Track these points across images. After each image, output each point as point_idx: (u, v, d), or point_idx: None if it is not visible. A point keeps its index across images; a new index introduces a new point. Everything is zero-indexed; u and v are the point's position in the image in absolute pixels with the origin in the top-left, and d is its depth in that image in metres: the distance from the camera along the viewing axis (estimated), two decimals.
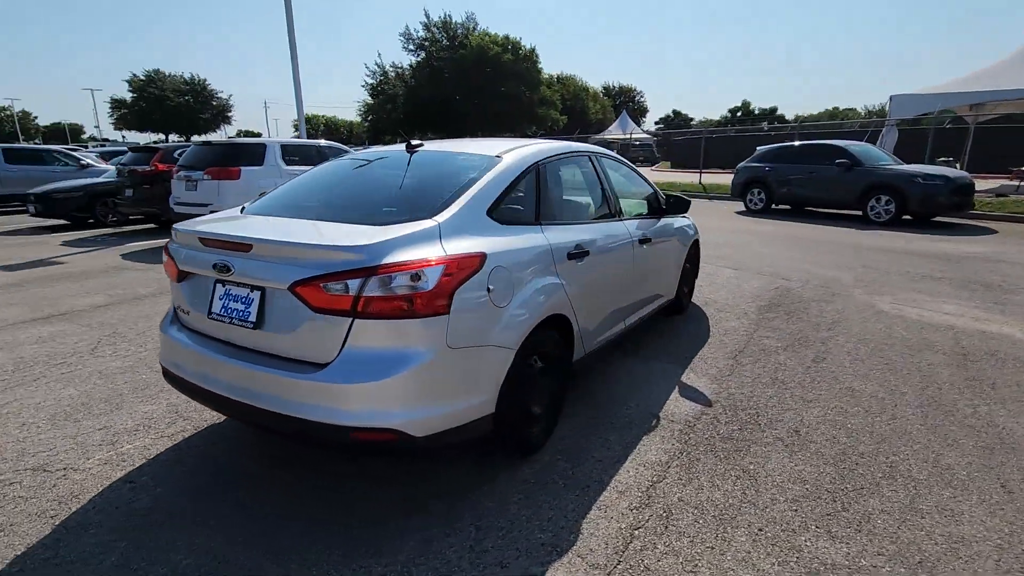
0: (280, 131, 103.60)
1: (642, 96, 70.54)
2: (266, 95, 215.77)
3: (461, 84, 28.27)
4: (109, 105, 53.14)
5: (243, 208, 2.84)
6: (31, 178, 13.15)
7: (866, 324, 4.64)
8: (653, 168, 32.51)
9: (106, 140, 57.87)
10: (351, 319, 1.99)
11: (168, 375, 2.52)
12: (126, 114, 52.19)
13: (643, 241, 3.67)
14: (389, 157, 3.09)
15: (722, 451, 2.74)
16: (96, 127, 67.59)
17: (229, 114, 55.76)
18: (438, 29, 30.59)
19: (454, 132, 32.92)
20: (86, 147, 28.05)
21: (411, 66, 30.79)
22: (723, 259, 7.30)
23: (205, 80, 53.72)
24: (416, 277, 2.02)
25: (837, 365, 3.80)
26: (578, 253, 2.88)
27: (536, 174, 2.84)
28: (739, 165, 13.23)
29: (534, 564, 1.99)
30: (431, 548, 2.07)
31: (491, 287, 2.25)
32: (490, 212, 2.47)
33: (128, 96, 51.46)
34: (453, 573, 1.95)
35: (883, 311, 5.01)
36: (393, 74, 30.82)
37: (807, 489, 2.43)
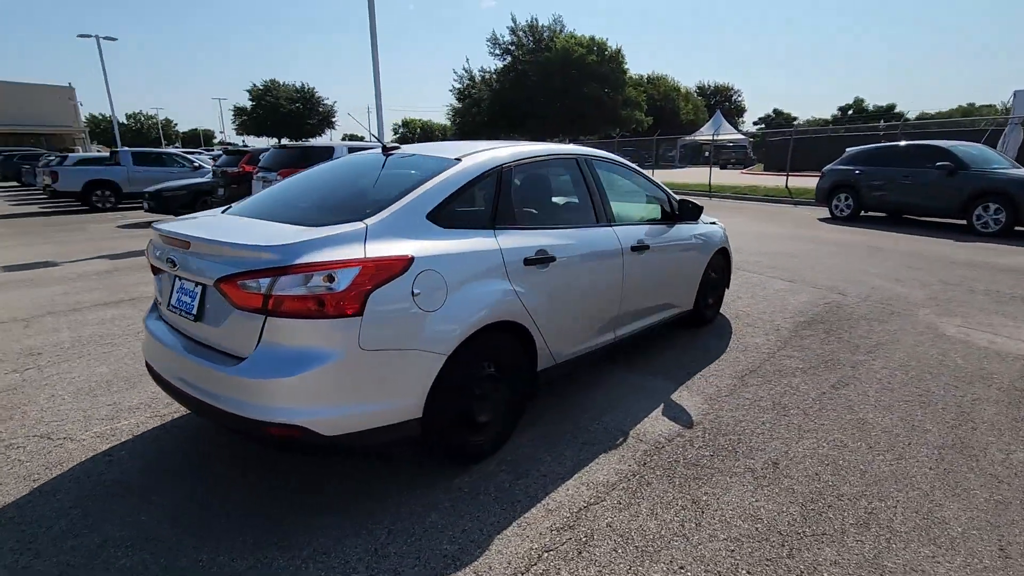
0: (380, 135, 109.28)
1: (740, 95, 66.91)
2: (371, 101, 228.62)
3: (544, 87, 28.34)
4: (232, 112, 58.87)
5: (226, 208, 3.03)
6: (153, 178, 14.84)
7: (917, 348, 4.10)
8: (742, 171, 30.73)
9: (229, 144, 64.11)
10: (264, 316, 2.06)
11: (147, 366, 2.73)
12: (245, 120, 57.50)
13: (638, 248, 3.48)
14: (366, 160, 3.16)
15: (680, 477, 2.54)
16: (221, 132, 75.08)
17: (333, 119, 59.71)
18: (524, 33, 30.92)
19: (535, 134, 33.09)
20: (211, 150, 31.15)
21: (495, 71, 31.37)
22: (779, 270, 6.75)
23: (313, 88, 57.97)
24: (329, 278, 2.05)
25: (858, 393, 3.38)
26: (540, 259, 2.78)
27: (497, 178, 2.78)
28: (825, 168, 12.16)
29: (426, 574, 1.95)
30: (338, 547, 2.10)
31: (417, 291, 2.24)
32: (432, 215, 2.46)
33: (248, 104, 56.69)
34: (348, 574, 1.96)
35: (945, 335, 4.39)
36: (479, 78, 31.56)
37: (757, 529, 2.19)
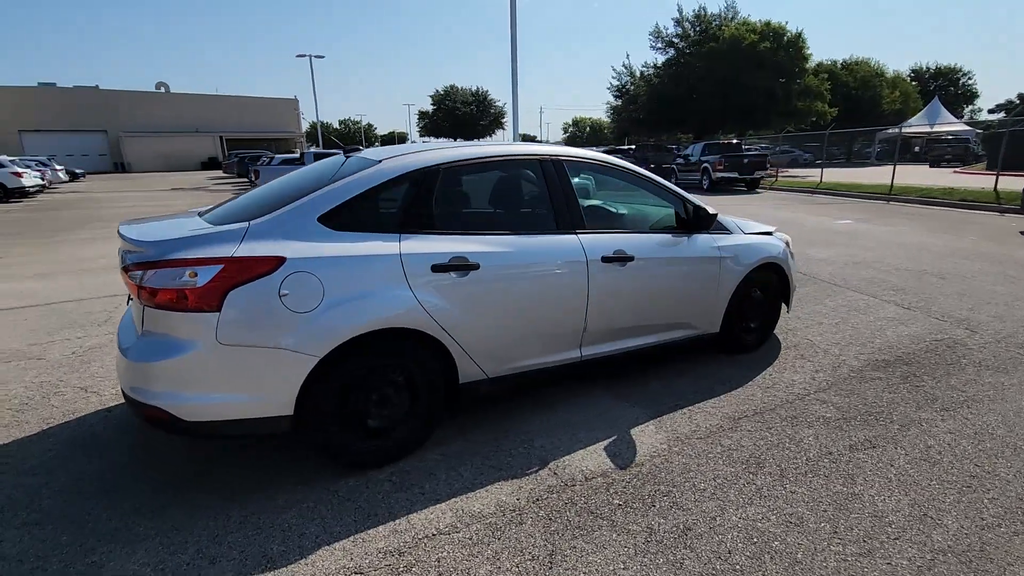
0: (551, 134, 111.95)
1: (970, 78, 54.87)
2: (542, 101, 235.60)
3: (708, 79, 26.33)
4: (417, 116, 65.15)
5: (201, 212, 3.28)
6: None
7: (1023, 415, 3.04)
8: (956, 170, 25.31)
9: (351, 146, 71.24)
10: (143, 306, 2.28)
11: None
12: (427, 123, 63.21)
13: (614, 259, 3.11)
14: (327, 163, 3.24)
15: (561, 523, 2.23)
16: (404, 133, 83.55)
17: (503, 120, 62.71)
18: (691, 23, 29.04)
19: (696, 129, 30.98)
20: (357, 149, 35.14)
21: (655, 65, 30.01)
22: (905, 293, 5.48)
23: (487, 91, 61.51)
24: (192, 274, 2.19)
25: (881, 461, 2.62)
26: (456, 266, 2.64)
27: (417, 181, 2.69)
28: None
29: (236, 571, 2.00)
30: (189, 523, 2.24)
31: (286, 291, 2.28)
32: (325, 217, 2.47)
33: (430, 108, 62.23)
34: (176, 551, 2.09)
35: None
36: (637, 74, 30.47)
37: None
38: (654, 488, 2.45)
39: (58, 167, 32.36)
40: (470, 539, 2.15)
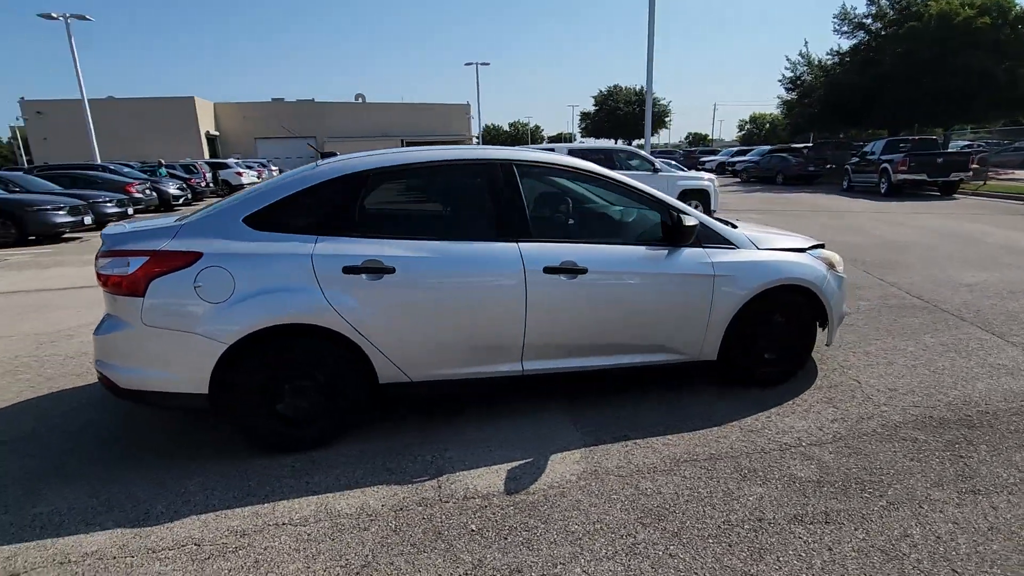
0: (724, 131, 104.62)
1: None
2: (717, 98, 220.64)
3: (904, 64, 22.24)
4: (579, 117, 65.55)
5: None
6: None
7: None
8: None
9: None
10: (102, 289, 2.72)
11: None
12: (588, 124, 63.22)
13: (561, 271, 2.89)
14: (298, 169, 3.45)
15: (401, 536, 2.17)
16: (570, 134, 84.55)
17: (667, 118, 60.16)
18: (888, 1, 24.72)
19: (883, 124, 26.46)
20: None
21: (837, 51, 26.11)
22: None
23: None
24: (126, 264, 2.57)
25: (823, 544, 2.09)
26: (369, 269, 2.69)
27: (341, 186, 2.80)
28: None
29: (117, 520, 2.31)
30: (103, 484, 2.59)
31: (200, 283, 2.55)
32: (249, 219, 2.70)
33: (592, 108, 62.14)
34: (91, 504, 2.48)
35: None
36: (816, 61, 26.79)
37: None
38: (522, 521, 2.26)
39: (274, 168, 38.93)
40: (307, 535, 2.21)
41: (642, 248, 3.09)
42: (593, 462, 2.68)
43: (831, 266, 3.50)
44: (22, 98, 50.76)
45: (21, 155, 52.31)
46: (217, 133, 61.76)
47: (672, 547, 2.08)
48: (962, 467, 2.55)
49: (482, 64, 40.34)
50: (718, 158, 35.69)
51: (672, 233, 3.06)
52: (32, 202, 11.14)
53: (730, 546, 2.08)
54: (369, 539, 2.17)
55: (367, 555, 2.08)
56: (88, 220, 11.78)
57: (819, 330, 3.50)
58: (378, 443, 2.89)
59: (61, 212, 11.21)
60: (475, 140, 62.82)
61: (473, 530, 2.21)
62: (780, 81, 28.63)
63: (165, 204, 17.91)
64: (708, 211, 10.97)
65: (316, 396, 2.80)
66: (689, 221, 3.01)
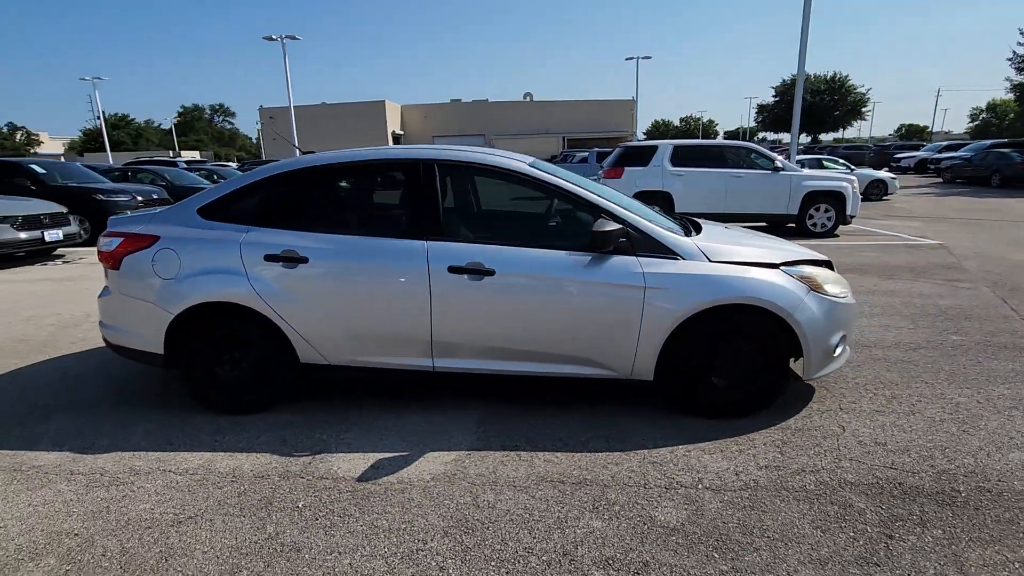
0: (951, 122, 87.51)
1: None
2: (942, 83, 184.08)
3: None
4: (756, 109, 60.10)
5: None
6: None
7: None
8: None
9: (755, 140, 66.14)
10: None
11: None
12: (767, 116, 57.65)
13: (466, 271, 2.87)
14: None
15: (237, 500, 2.41)
16: (743, 128, 77.78)
17: (864, 109, 52.31)
18: None
19: None
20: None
21: None
22: None
23: (847, 76, 52.09)
24: (111, 243, 3.18)
25: None
26: (286, 258, 2.97)
27: (277, 183, 3.11)
28: None
29: (74, 448, 2.90)
30: (82, 422, 3.26)
31: (156, 262, 3.06)
32: (202, 210, 3.13)
33: (771, 100, 56.49)
34: (38, 436, 3.13)
35: None
36: None
37: None
38: (345, 507, 2.34)
39: None
40: (176, 483, 2.54)
41: (562, 253, 2.91)
42: (461, 466, 2.64)
43: (814, 287, 2.92)
44: (261, 106, 61.69)
45: (262, 153, 62.97)
46: (402, 133, 68.74)
47: (449, 562, 2.01)
48: (878, 549, 2.02)
49: (643, 58, 38.99)
50: (919, 154, 30.22)
51: (592, 238, 2.84)
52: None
53: (508, 574, 1.95)
54: (216, 496, 2.44)
55: (201, 509, 2.35)
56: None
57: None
58: (298, 416, 3.17)
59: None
60: (637, 136, 61.25)
61: (298, 507, 2.36)
62: (1010, 60, 23.19)
63: None
64: (842, 216, 9.54)
65: (249, 368, 3.16)
66: (606, 226, 2.76)
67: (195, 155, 54.52)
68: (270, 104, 59.82)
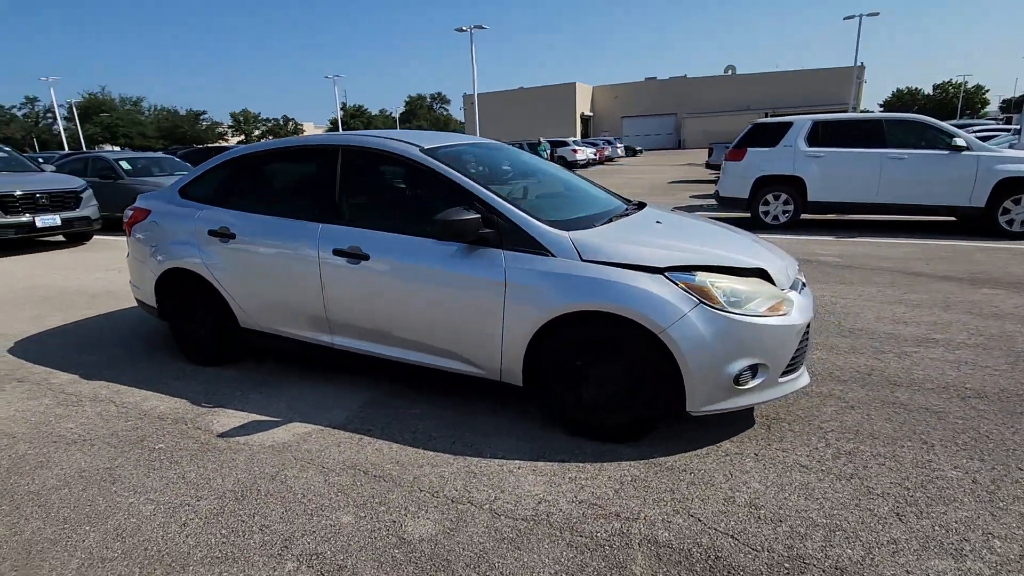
0: None
1: None
2: None
3: None
4: None
5: None
6: None
7: None
8: None
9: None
10: None
11: None
12: None
13: (346, 255, 2.95)
14: None
15: (126, 437, 2.88)
16: None
17: None
18: None
19: None
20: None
21: None
22: None
23: None
24: (125, 216, 3.93)
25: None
26: (221, 233, 3.37)
27: (227, 167, 3.51)
28: None
29: (69, 371, 3.73)
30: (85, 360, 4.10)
31: (147, 231, 3.72)
32: (181, 190, 3.68)
33: None
34: (75, 365, 4.00)
35: None
36: None
37: None
38: (184, 455, 2.64)
39: (619, 145, 41.42)
40: (99, 412, 3.11)
41: (430, 241, 2.80)
42: (303, 439, 2.76)
43: (706, 299, 2.35)
44: (464, 93, 66.89)
45: None
46: (591, 114, 68.66)
47: (192, 522, 2.17)
48: None
49: (868, 15, 32.71)
50: None
51: (440, 227, 2.66)
52: None
53: (222, 546, 2.04)
54: (117, 428, 2.94)
55: (98, 435, 2.86)
56: None
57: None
58: (241, 373, 3.59)
59: None
60: (853, 108, 52.00)
61: (155, 448, 2.73)
62: None
63: None
64: None
65: (208, 326, 3.67)
66: (453, 215, 2.56)
67: None
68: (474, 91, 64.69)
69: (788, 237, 7.77)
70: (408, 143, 3.05)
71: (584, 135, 61.88)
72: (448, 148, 3.16)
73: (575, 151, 30.99)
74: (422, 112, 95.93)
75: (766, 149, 8.50)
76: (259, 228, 3.29)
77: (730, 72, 64.57)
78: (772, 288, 2.50)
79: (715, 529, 2.01)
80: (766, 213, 8.60)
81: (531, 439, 2.68)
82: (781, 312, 2.46)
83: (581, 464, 2.46)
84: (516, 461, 2.51)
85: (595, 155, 33.81)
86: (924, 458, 2.41)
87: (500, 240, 2.65)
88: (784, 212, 8.49)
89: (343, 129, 58.90)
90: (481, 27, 31.96)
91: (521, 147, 23.79)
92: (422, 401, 3.11)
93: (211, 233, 3.43)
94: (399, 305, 2.90)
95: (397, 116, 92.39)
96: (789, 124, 8.47)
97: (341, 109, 79.39)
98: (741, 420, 2.76)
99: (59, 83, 62.66)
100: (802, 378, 2.66)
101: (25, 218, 8.07)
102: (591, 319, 2.47)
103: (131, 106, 61.97)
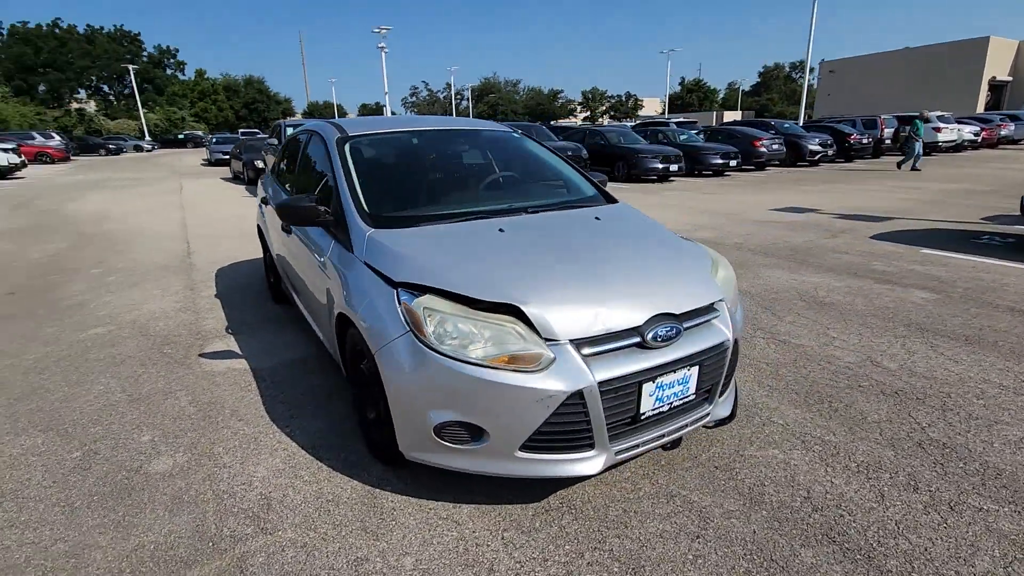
0: None
1: None
2: None
3: None
4: None
5: None
6: None
7: None
8: None
9: None
10: None
11: None
12: None
13: (286, 229, 3.35)
14: None
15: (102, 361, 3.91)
16: None
17: None
18: None
19: None
20: None
21: None
22: None
23: None
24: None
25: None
26: (263, 200, 4.13)
27: (283, 145, 4.17)
28: None
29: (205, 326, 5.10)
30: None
31: (258, 187, 4.77)
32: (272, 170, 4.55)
33: None
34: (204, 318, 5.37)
35: None
36: None
37: None
38: (152, 371, 3.48)
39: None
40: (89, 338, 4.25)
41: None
42: (257, 370, 3.28)
43: (415, 328, 1.84)
44: (822, 60, 57.87)
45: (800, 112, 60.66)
46: (1010, 78, 50.77)
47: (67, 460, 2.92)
48: None
49: None
50: None
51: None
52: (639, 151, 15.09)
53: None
54: (132, 345, 3.95)
55: (106, 350, 3.94)
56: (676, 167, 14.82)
57: None
58: (266, 315, 4.34)
59: (656, 159, 14.69)
60: None
61: (141, 364, 3.62)
62: None
63: (800, 158, 18.46)
64: None
65: (266, 268, 4.56)
66: (286, 203, 2.63)
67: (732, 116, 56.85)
68: (832, 57, 55.05)
69: None
70: (323, 130, 3.21)
71: (994, 106, 45.89)
72: (363, 137, 3.12)
73: (938, 130, 23.51)
74: (777, 84, 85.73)
75: None
76: (273, 196, 3.92)
77: None
78: (519, 334, 1.78)
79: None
80: None
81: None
82: (524, 367, 1.75)
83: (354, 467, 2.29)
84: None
85: (975, 135, 25.04)
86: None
87: (337, 230, 2.58)
88: None
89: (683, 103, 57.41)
90: None
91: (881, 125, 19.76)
92: None
93: (262, 200, 4.23)
94: (306, 277, 3.13)
95: (745, 89, 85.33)
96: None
97: (679, 85, 78.05)
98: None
99: (458, 72, 79.20)
100: (585, 464, 1.84)
101: None
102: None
103: (510, 88, 74.12)
